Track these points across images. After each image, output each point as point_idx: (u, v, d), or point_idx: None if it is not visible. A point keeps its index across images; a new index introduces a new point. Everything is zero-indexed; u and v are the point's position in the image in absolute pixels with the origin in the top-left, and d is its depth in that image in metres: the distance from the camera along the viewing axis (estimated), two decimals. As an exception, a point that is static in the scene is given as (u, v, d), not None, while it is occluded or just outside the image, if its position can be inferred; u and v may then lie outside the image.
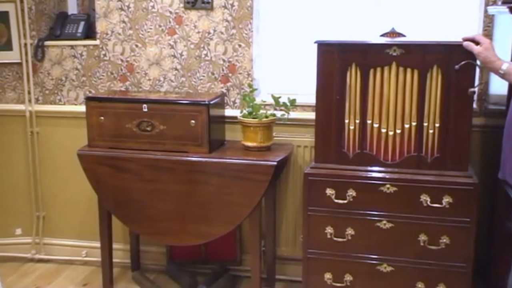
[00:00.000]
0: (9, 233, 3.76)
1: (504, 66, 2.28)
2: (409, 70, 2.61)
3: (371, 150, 2.71)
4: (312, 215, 2.75)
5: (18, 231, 3.78)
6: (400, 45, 2.59)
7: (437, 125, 2.61)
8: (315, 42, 2.70)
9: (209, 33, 3.28)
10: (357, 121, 2.69)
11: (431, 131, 2.62)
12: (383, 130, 2.67)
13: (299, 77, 3.33)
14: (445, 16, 3.10)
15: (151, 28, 3.36)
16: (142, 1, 3.33)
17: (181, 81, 3.37)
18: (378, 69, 2.64)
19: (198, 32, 3.29)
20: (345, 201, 2.69)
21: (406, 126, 2.65)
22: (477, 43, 2.44)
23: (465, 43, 2.47)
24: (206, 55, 3.31)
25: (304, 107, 3.22)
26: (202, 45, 3.30)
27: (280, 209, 3.36)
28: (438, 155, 2.63)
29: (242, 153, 3.04)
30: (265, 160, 2.94)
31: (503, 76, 2.30)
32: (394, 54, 2.60)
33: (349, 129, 2.71)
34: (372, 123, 2.68)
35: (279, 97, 3.09)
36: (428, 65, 2.58)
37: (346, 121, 2.71)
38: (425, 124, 2.63)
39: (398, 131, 2.66)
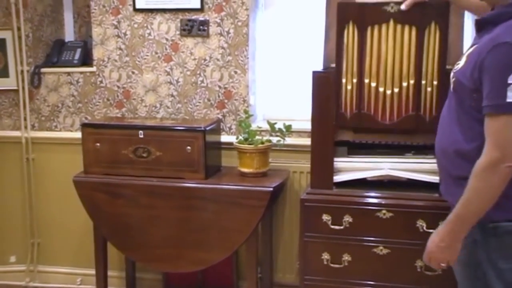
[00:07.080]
0: (3, 260, 3.73)
1: None
2: (406, 27, 2.54)
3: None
4: (309, 241, 2.74)
5: (13, 258, 3.74)
6: (397, 2, 2.52)
7: (435, 83, 2.54)
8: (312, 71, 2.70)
9: (205, 59, 3.30)
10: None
11: (429, 89, 2.55)
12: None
13: (295, 102, 3.35)
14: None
15: (147, 55, 3.38)
16: (138, 29, 3.36)
17: (177, 108, 3.38)
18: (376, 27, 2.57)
19: (194, 59, 3.32)
20: (342, 227, 2.68)
21: (404, 84, 2.58)
22: None
23: None
24: (202, 81, 3.33)
25: (300, 133, 3.22)
26: (198, 72, 3.32)
27: (277, 235, 3.35)
28: (436, 114, 2.52)
29: (238, 179, 3.04)
30: (261, 186, 2.94)
31: None
32: (392, 11, 2.54)
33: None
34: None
35: (275, 123, 3.10)
36: (426, 21, 2.52)
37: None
38: (423, 82, 2.56)
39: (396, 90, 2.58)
